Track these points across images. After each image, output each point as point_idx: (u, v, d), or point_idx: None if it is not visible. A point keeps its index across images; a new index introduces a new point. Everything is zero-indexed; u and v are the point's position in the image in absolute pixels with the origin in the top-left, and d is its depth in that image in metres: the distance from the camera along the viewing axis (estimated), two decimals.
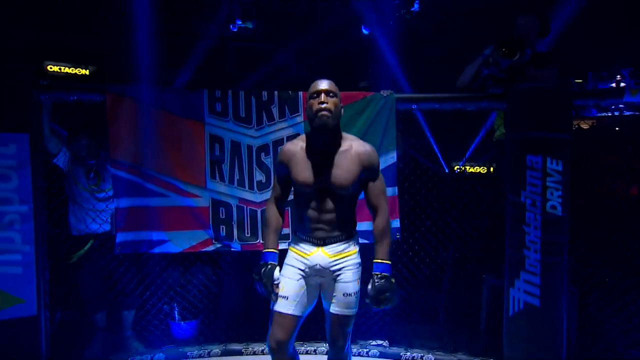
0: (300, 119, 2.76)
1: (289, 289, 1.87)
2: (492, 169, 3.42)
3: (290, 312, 1.86)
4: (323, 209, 1.85)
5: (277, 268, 1.88)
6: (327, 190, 1.84)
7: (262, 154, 2.75)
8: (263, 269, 1.84)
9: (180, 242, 2.70)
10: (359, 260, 1.94)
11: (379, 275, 1.83)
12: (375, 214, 1.92)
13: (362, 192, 1.95)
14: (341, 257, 1.89)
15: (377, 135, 2.74)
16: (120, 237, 2.62)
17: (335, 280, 1.89)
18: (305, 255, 1.90)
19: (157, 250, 2.70)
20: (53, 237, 2.67)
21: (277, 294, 1.86)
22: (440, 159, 3.49)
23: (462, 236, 3.07)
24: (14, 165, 2.35)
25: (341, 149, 1.86)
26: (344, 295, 1.88)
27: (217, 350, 2.88)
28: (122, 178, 2.61)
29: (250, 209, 2.75)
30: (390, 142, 2.79)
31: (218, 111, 2.70)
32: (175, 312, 3.05)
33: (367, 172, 1.88)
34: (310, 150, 1.87)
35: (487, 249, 3.01)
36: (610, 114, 2.55)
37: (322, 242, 1.88)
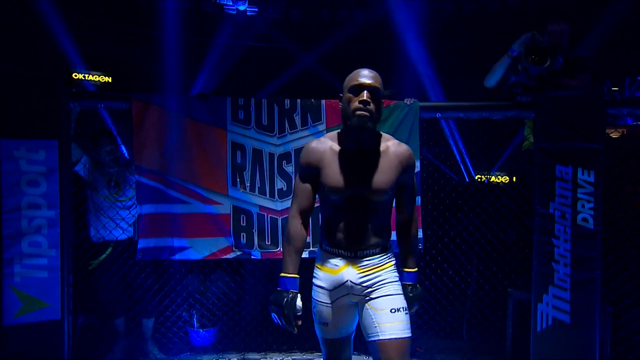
0: (322, 127, 2.79)
1: (325, 314, 1.72)
2: (514, 179, 3.38)
3: (337, 336, 1.74)
4: (355, 217, 1.66)
5: (299, 296, 1.63)
6: (361, 196, 1.64)
7: (284, 162, 2.78)
8: (285, 299, 1.59)
9: (201, 249, 2.75)
10: (397, 274, 1.74)
11: (410, 285, 1.74)
12: (407, 220, 1.80)
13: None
14: (376, 271, 1.69)
15: None
16: (142, 244, 2.69)
17: (373, 297, 1.66)
18: (334, 271, 1.70)
19: (178, 257, 2.74)
20: (76, 243, 2.75)
21: (299, 325, 1.62)
22: (463, 169, 3.46)
23: (486, 248, 3.03)
24: (43, 171, 2.44)
25: (378, 150, 1.68)
26: (392, 311, 1.63)
27: (236, 359, 2.91)
28: (146, 185, 2.68)
29: (271, 217, 2.78)
30: (413, 152, 2.78)
31: (240, 119, 2.75)
32: (194, 319, 3.09)
33: (405, 174, 1.71)
34: (342, 151, 1.67)
35: (513, 262, 2.96)
36: None
37: (354, 255, 1.68)
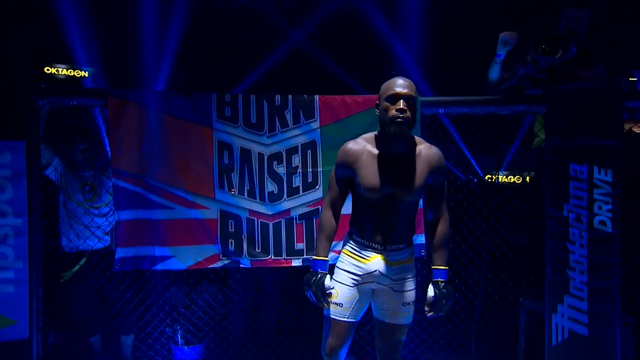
0: (316, 124, 2.70)
1: (343, 295, 1.96)
2: (528, 179, 3.31)
3: (345, 319, 1.96)
4: (387, 215, 1.92)
5: (328, 277, 1.96)
6: (394, 196, 1.89)
7: (274, 163, 2.69)
8: (314, 278, 1.92)
9: (185, 258, 2.64)
10: (415, 269, 2.04)
11: (442, 282, 1.93)
12: (438, 219, 2.00)
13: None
14: (401, 265, 1.98)
15: None
16: (120, 253, 2.57)
17: (394, 289, 1.98)
18: (364, 260, 1.97)
19: (159, 267, 2.64)
20: (46, 253, 2.64)
21: (329, 301, 1.95)
22: (475, 167, 3.37)
23: (495, 254, 2.95)
24: (8, 176, 2.33)
25: (411, 154, 1.90)
26: (403, 304, 1.98)
27: None
28: (124, 189, 2.57)
29: (261, 221, 2.68)
30: None
31: (227, 116, 2.66)
32: (178, 335, 2.99)
33: (435, 176, 1.94)
34: (379, 153, 1.90)
35: (524, 269, 2.89)
36: None
37: (383, 249, 1.95)
